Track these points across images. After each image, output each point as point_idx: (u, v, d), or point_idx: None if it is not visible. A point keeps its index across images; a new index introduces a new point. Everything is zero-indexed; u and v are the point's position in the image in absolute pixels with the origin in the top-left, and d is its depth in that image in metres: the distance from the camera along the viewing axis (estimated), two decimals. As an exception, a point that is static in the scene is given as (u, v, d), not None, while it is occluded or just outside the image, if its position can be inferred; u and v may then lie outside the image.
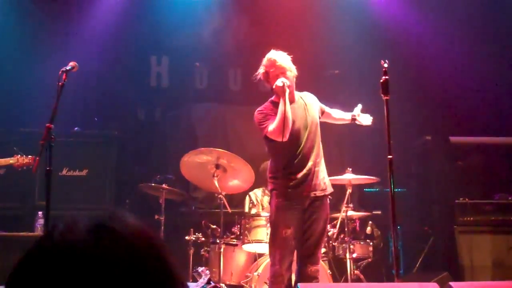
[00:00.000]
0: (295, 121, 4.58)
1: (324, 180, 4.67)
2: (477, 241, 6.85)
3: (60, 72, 4.20)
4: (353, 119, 4.97)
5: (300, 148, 4.57)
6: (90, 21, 7.92)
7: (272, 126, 4.49)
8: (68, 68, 4.25)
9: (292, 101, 4.66)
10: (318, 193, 4.59)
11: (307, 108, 4.72)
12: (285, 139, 4.44)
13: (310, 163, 4.57)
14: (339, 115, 5.04)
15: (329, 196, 4.76)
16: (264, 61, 4.70)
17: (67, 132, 6.83)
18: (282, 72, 4.58)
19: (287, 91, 4.47)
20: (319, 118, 4.82)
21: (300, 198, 4.55)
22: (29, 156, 5.08)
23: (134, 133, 8.27)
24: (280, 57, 4.66)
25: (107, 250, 0.92)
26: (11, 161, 5.26)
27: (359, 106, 4.97)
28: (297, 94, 4.78)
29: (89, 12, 7.97)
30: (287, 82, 4.50)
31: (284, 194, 4.55)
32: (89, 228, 0.95)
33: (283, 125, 4.41)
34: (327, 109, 4.98)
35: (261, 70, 4.71)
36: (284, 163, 4.59)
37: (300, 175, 4.54)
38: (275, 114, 4.52)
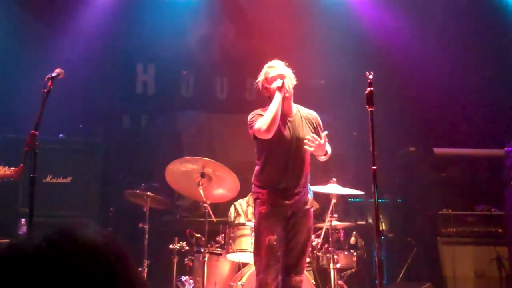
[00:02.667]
0: (287, 132, 4.59)
1: (308, 195, 4.67)
2: (459, 252, 6.90)
3: (46, 79, 4.18)
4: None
5: (288, 160, 4.57)
6: (77, 28, 7.90)
7: (259, 121, 4.49)
8: (54, 74, 4.22)
9: (288, 112, 4.67)
10: (301, 207, 4.60)
11: (303, 123, 4.69)
12: (271, 135, 4.45)
13: (296, 177, 4.57)
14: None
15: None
16: (264, 68, 4.74)
17: (52, 139, 6.78)
18: (281, 77, 4.61)
19: (283, 91, 4.50)
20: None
21: (283, 206, 4.56)
22: (12, 168, 4.81)
23: (119, 140, 8.22)
24: (279, 65, 4.71)
25: (50, 268, 0.92)
26: None
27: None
28: (294, 107, 4.77)
29: (76, 19, 7.94)
30: (286, 86, 4.54)
31: (266, 201, 4.57)
32: (39, 244, 0.95)
33: (270, 120, 4.41)
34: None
35: (261, 77, 4.73)
36: (270, 173, 4.60)
37: (284, 186, 4.55)
38: None
